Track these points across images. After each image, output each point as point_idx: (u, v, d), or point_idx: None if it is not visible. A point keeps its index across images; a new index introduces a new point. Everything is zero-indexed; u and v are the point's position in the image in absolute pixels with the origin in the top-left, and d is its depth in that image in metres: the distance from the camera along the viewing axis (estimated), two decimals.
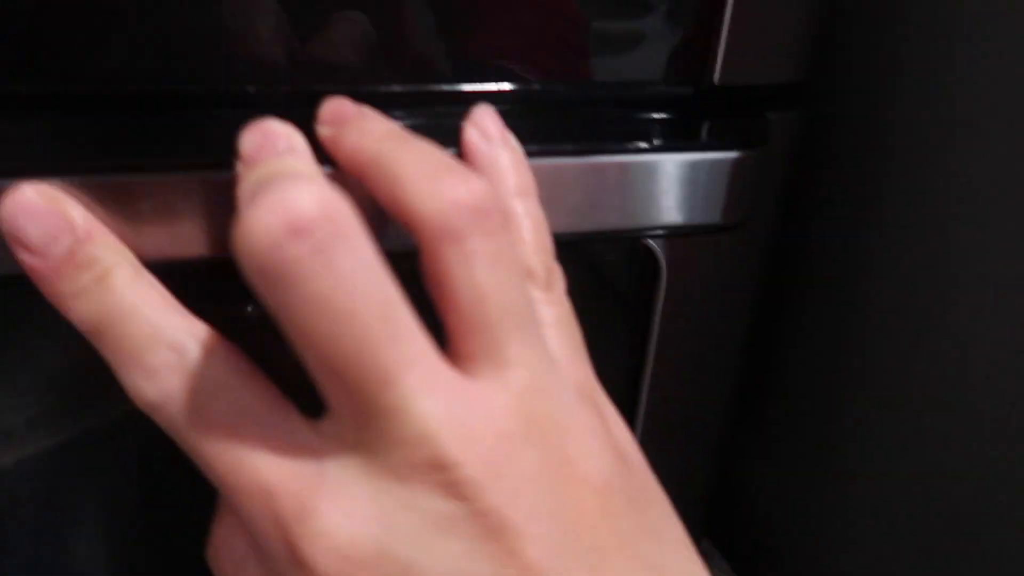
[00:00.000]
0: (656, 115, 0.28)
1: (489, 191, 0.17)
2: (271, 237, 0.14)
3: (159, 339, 0.18)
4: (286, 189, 0.15)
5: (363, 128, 0.19)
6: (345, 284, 0.15)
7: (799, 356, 0.41)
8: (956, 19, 0.29)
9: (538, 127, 0.24)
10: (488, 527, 0.16)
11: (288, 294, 0.15)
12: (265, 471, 0.16)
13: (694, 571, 0.19)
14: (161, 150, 0.21)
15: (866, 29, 0.34)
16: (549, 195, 0.23)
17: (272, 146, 0.18)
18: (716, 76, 0.27)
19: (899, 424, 0.35)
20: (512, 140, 0.22)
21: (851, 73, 0.35)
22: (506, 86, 0.25)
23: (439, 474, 0.16)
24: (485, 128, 0.22)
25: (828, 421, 0.39)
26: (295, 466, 0.16)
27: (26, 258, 0.18)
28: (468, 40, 0.24)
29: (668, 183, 0.25)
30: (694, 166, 0.26)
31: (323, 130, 0.20)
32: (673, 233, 0.27)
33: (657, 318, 0.32)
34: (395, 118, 0.22)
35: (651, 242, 0.29)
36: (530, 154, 0.22)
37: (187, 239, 0.20)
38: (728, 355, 0.36)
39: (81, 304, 0.18)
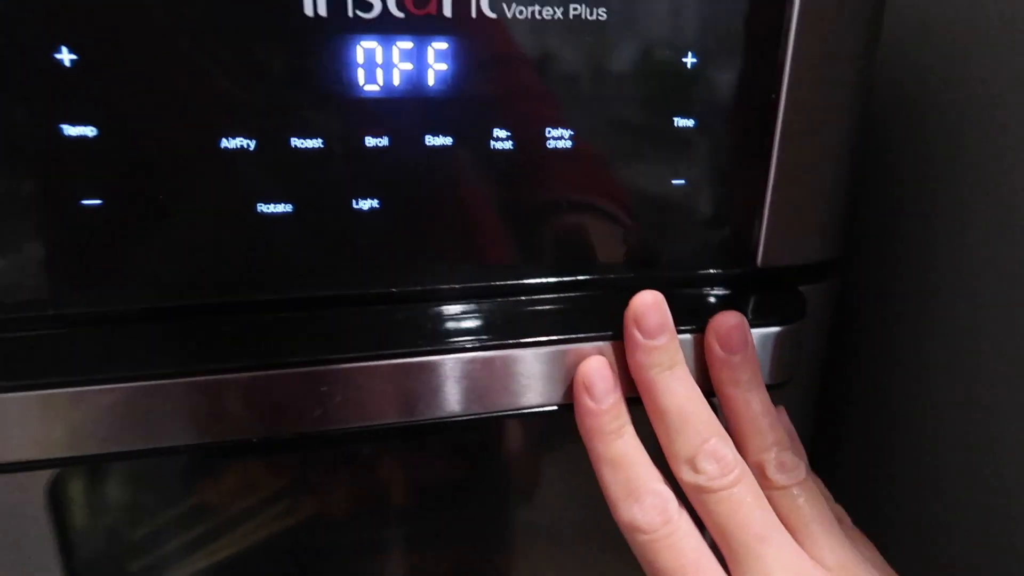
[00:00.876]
0: (715, 291, 0.34)
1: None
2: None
3: (650, 485, 0.27)
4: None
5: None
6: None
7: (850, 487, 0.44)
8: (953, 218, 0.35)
9: (614, 311, 0.30)
10: None
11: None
12: None
13: None
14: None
15: (883, 217, 0.40)
16: None
17: (665, 326, 0.28)
18: (759, 260, 0.33)
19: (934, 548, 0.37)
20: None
21: (875, 249, 0.40)
22: (593, 276, 0.31)
23: None
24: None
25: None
26: None
27: (587, 402, 0.28)
28: (568, 239, 0.30)
29: None
30: None
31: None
32: None
33: None
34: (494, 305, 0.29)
35: (712, 398, 0.33)
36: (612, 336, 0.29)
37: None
38: None
39: (607, 443, 0.28)
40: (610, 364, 0.29)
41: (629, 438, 0.28)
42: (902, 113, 0.39)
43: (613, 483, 0.27)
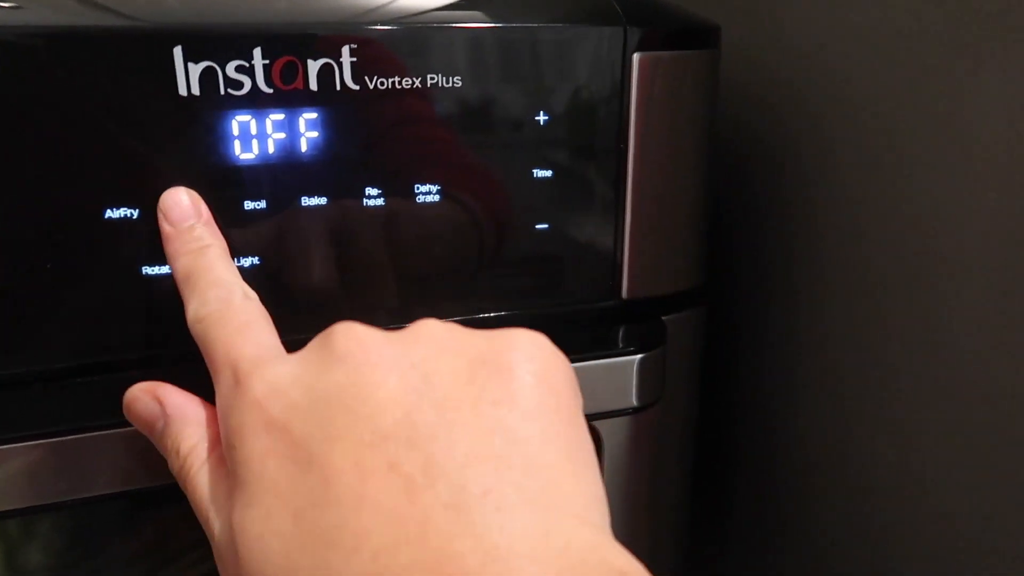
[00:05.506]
0: (589, 324, 0.37)
1: None
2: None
3: (220, 284, 0.26)
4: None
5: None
6: None
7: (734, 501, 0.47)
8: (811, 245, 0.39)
9: None
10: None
11: None
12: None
13: (552, 445, 0.21)
14: None
15: (742, 243, 0.44)
16: None
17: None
18: (623, 293, 0.36)
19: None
20: None
21: (735, 276, 0.44)
22: (471, 316, 0.34)
23: None
24: None
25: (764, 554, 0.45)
26: None
27: (164, 227, 0.28)
28: (443, 284, 0.33)
29: (591, 382, 0.33)
30: (610, 367, 0.34)
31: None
32: (604, 416, 0.35)
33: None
34: None
35: (593, 422, 0.36)
36: None
37: None
38: (666, 507, 0.42)
39: (184, 260, 0.27)
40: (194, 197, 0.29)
41: (212, 254, 0.27)
42: (752, 142, 0.43)
43: (185, 292, 0.26)
